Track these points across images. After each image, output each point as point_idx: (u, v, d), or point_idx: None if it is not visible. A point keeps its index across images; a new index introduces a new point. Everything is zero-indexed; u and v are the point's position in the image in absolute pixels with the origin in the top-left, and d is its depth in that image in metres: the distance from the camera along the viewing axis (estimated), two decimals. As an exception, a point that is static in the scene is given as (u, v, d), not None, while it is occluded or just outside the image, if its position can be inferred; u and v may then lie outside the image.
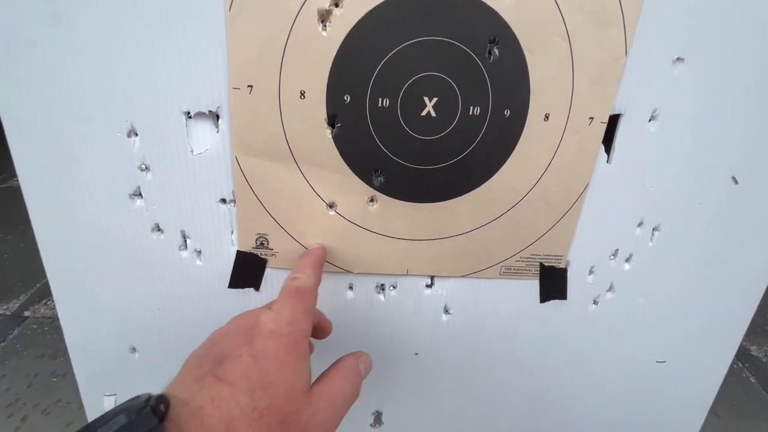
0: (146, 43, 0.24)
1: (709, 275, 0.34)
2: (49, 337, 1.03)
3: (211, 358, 0.20)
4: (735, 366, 1.11)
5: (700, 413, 0.40)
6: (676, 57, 0.26)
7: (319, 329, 0.28)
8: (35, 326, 1.07)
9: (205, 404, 0.18)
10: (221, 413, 0.18)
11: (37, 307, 1.13)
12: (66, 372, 0.91)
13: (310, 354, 0.26)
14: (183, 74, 0.25)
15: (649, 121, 0.28)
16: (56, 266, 0.29)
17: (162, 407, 0.17)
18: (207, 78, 0.25)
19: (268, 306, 0.23)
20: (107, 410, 0.17)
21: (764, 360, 1.14)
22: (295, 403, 0.20)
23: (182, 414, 0.18)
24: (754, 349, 1.18)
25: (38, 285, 1.18)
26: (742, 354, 1.15)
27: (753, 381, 1.08)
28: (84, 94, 0.25)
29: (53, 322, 1.07)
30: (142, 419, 0.16)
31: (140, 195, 0.27)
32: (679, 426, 0.41)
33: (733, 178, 0.30)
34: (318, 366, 0.23)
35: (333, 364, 0.24)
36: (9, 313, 1.11)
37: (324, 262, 0.28)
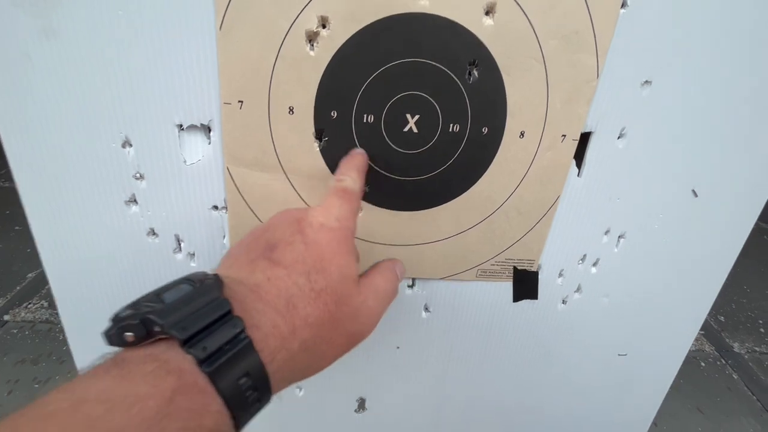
0: (139, 58, 0.25)
1: (668, 278, 0.36)
2: (30, 342, 0.98)
3: (262, 245, 0.21)
4: (718, 363, 1.14)
5: (657, 398, 0.44)
6: (644, 80, 0.28)
7: None
8: (15, 331, 1.02)
9: (261, 282, 0.19)
10: (279, 290, 0.19)
11: (17, 311, 1.07)
12: (48, 377, 0.87)
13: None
14: (175, 88, 0.26)
15: (618, 138, 0.30)
16: (57, 269, 0.30)
17: (219, 282, 0.18)
18: (199, 93, 0.26)
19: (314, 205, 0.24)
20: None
21: (746, 357, 1.18)
22: (348, 288, 0.21)
23: (239, 290, 0.18)
24: (736, 346, 1.21)
25: (18, 288, 1.12)
26: (725, 351, 1.18)
27: (735, 377, 1.11)
28: (78, 106, 0.25)
29: (34, 326, 1.03)
30: (205, 288, 0.17)
31: (135, 201, 0.29)
32: (638, 410, 0.44)
33: (693, 191, 0.32)
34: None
35: (372, 267, 0.25)
36: (-12, 318, 1.05)
37: (366, 168, 0.27)
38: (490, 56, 0.26)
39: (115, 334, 0.16)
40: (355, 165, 0.26)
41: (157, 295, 0.17)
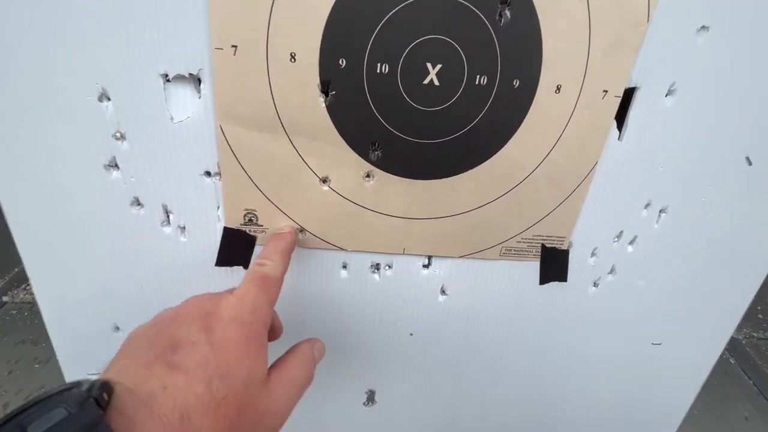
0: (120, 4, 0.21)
1: (711, 259, 0.33)
2: (29, 323, 1.00)
3: (164, 343, 0.19)
4: None
5: (690, 394, 0.40)
6: (701, 25, 0.24)
7: (271, 330, 0.25)
8: (14, 312, 1.03)
9: (155, 392, 0.17)
10: (174, 402, 0.17)
11: (16, 292, 1.09)
12: (49, 358, 0.88)
13: (277, 339, 0.25)
14: (159, 32, 0.22)
15: (666, 95, 0.26)
16: (29, 244, 0.27)
17: (105, 396, 0.16)
18: (186, 37, 0.22)
19: (230, 291, 0.22)
20: (38, 396, 0.15)
21: (744, 342, 1.17)
22: (253, 392, 0.19)
23: (129, 403, 0.16)
24: (734, 332, 1.21)
25: (16, 269, 1.13)
26: None
27: (732, 362, 1.11)
28: (45, 52, 0.22)
29: (33, 307, 1.04)
30: (84, 412, 0.15)
31: (116, 166, 0.25)
32: (669, 405, 0.41)
33: (747, 158, 0.29)
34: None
35: (288, 351, 0.23)
36: (-14, 299, 1.07)
37: (294, 248, 0.27)
38: (526, -8, 0.22)
39: None
40: (280, 248, 0.25)
41: (20, 426, 0.14)
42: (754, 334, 1.19)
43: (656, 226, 0.31)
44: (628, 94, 0.26)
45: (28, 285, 1.08)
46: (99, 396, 0.15)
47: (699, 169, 0.29)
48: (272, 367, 0.22)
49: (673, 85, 0.26)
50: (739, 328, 1.20)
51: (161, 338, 0.19)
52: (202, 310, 0.20)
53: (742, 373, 1.08)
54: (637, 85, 0.26)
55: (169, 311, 0.21)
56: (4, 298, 1.07)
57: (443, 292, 0.32)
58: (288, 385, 0.21)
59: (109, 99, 0.23)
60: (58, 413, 0.14)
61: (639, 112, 0.27)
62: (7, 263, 1.14)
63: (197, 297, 0.22)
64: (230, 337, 0.19)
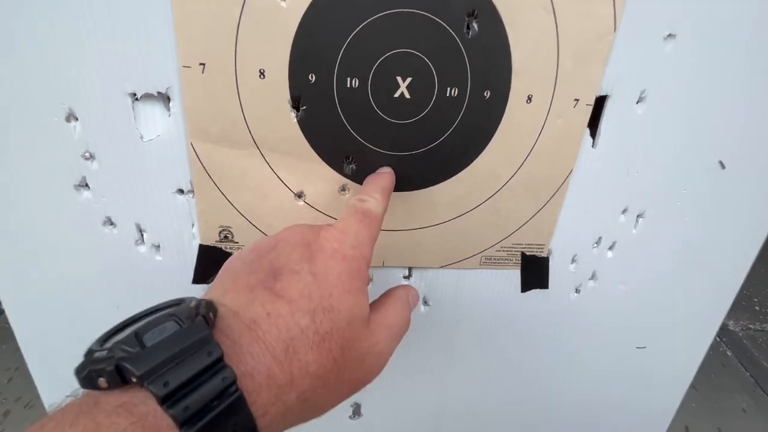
0: (81, 15, 0.21)
1: (691, 262, 0.33)
2: None
3: (265, 269, 0.18)
4: (713, 340, 1.16)
5: (677, 395, 0.40)
6: (668, 33, 0.25)
7: None
8: None
9: (259, 318, 0.16)
10: (279, 331, 0.16)
11: None
12: None
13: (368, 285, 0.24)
14: (125, 50, 0.22)
15: (637, 102, 0.26)
16: (1, 269, 0.27)
17: (211, 315, 0.15)
18: (153, 55, 0.22)
19: (329, 224, 0.21)
20: (147, 309, 0.15)
21: (741, 334, 1.18)
22: (356, 331, 0.18)
23: (234, 326, 0.16)
24: (731, 324, 1.21)
25: None
26: (719, 328, 1.19)
27: (729, 354, 1.12)
28: (12, 74, 0.22)
29: None
30: (195, 328, 0.14)
31: (86, 186, 0.25)
32: (657, 408, 0.41)
33: (720, 162, 0.29)
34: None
35: (384, 295, 0.22)
36: (-17, 308, 1.06)
37: (392, 190, 0.25)
38: (492, 5, 0.22)
39: (86, 377, 0.14)
40: (380, 185, 0.23)
41: (136, 335, 0.14)
42: (751, 326, 1.20)
43: (634, 231, 0.31)
44: (600, 102, 0.26)
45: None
46: (206, 315, 0.15)
47: (674, 173, 0.29)
48: (370, 311, 0.20)
49: (643, 92, 0.26)
50: (737, 320, 1.20)
51: (262, 264, 0.18)
52: (303, 239, 0.19)
53: (739, 365, 1.08)
54: (608, 94, 0.26)
55: (268, 238, 0.20)
56: (3, 306, 1.07)
57: (425, 302, 0.32)
58: (389, 328, 0.20)
59: (76, 119, 0.23)
60: (171, 326, 0.14)
61: (611, 120, 0.27)
62: None
63: (297, 225, 0.20)
64: (332, 270, 0.18)
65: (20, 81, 0.22)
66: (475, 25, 0.23)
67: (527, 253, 0.30)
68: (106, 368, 0.14)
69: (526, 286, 0.32)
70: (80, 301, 0.28)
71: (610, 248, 0.32)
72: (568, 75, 0.25)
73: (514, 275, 0.31)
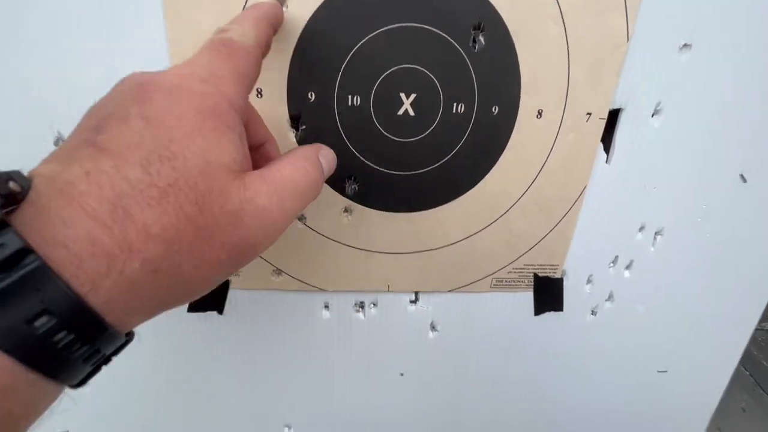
0: (74, 39, 0.20)
1: (713, 280, 0.31)
2: None
3: (89, 124, 0.15)
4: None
5: (702, 422, 0.38)
6: (683, 43, 0.23)
7: (252, 130, 0.19)
8: None
9: (76, 179, 0.13)
10: (101, 190, 0.13)
11: None
12: None
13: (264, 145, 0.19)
14: (116, 70, 0.21)
15: (652, 116, 0.25)
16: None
17: (13, 186, 0.12)
18: (145, 75, 0.21)
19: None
20: None
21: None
22: (219, 182, 0.15)
23: (44, 193, 0.13)
24: None
25: None
26: None
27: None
28: (4, 102, 0.21)
29: None
30: None
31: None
32: (679, 433, 0.39)
33: (742, 176, 0.28)
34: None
35: (283, 154, 0.18)
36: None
37: (278, 21, 0.19)
38: (499, 18, 0.21)
39: None
40: (253, 15, 0.18)
41: None
42: None
43: (652, 249, 0.29)
44: (614, 116, 0.25)
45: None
46: (3, 185, 0.12)
47: (693, 188, 0.28)
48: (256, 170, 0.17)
49: (659, 104, 0.25)
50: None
51: (89, 119, 0.15)
52: (137, 81, 0.15)
53: (739, 364, 1.06)
54: (622, 107, 0.25)
55: (107, 93, 0.16)
56: None
57: (433, 328, 0.30)
58: (277, 183, 0.16)
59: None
60: None
61: (626, 134, 0.25)
62: None
63: (134, 73, 0.16)
64: (173, 110, 0.15)
65: (10, 107, 0.21)
66: (482, 39, 0.22)
67: (540, 275, 0.29)
68: None
69: (539, 309, 0.30)
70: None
71: (627, 267, 0.30)
72: (580, 88, 0.24)
73: (527, 298, 0.30)
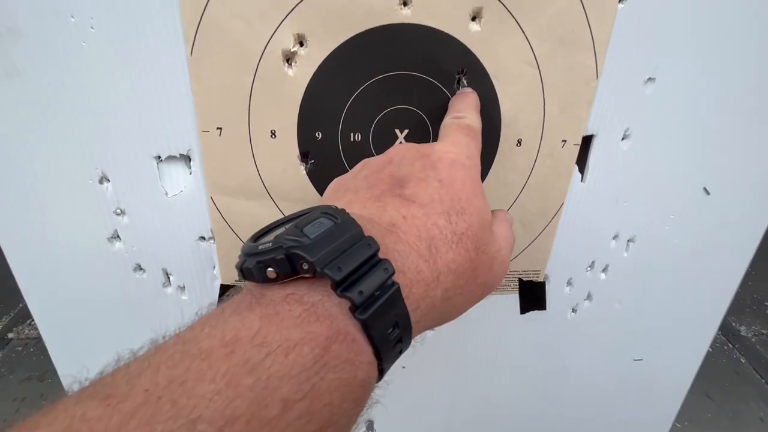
0: (108, 92, 0.23)
1: (682, 280, 0.35)
2: (35, 359, 0.98)
3: (387, 180, 0.18)
4: (725, 347, 1.11)
5: (676, 400, 0.42)
6: (648, 77, 0.26)
7: None
8: (20, 348, 1.01)
9: (396, 221, 0.16)
10: (418, 231, 0.16)
11: (21, 327, 1.07)
12: (55, 394, 0.86)
13: None
14: (150, 119, 0.24)
15: (622, 140, 0.28)
16: (43, 312, 0.29)
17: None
18: (175, 122, 0.25)
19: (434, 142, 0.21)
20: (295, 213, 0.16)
21: (753, 340, 1.14)
22: (486, 234, 0.19)
23: (373, 229, 0.16)
24: (743, 330, 1.16)
25: (21, 305, 1.10)
26: (731, 335, 1.14)
27: (743, 362, 1.07)
28: (48, 146, 0.24)
29: (39, 342, 1.01)
30: (346, 225, 0.15)
31: (119, 237, 0.28)
32: (658, 413, 0.43)
33: (705, 189, 0.31)
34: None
35: (492, 215, 0.22)
36: (-8, 336, 1.03)
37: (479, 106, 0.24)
38: (479, 64, 0.24)
39: (255, 268, 0.14)
40: (472, 103, 0.23)
41: (296, 227, 0.15)
42: (764, 331, 1.15)
43: (626, 254, 0.33)
44: (587, 141, 0.28)
45: (33, 320, 1.08)
46: (348, 215, 0.15)
47: (660, 201, 0.31)
48: None
49: (627, 130, 0.28)
50: (748, 325, 1.16)
51: (381, 177, 0.19)
52: (419, 152, 0.20)
53: (754, 371, 1.03)
54: (594, 133, 0.28)
55: (378, 156, 0.21)
56: (10, 335, 1.05)
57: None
58: (506, 239, 0.21)
59: (108, 180, 0.26)
60: (327, 221, 0.15)
61: (598, 156, 0.29)
62: (11, 300, 1.11)
63: (404, 144, 0.21)
64: (457, 177, 0.18)
65: (59, 150, 0.24)
66: (465, 81, 0.25)
67: (524, 279, 0.32)
68: (275, 257, 0.14)
69: (525, 309, 0.34)
70: (115, 339, 0.31)
71: (603, 271, 0.33)
72: (555, 119, 0.27)
73: (514, 299, 0.33)
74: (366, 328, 0.14)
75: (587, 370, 0.38)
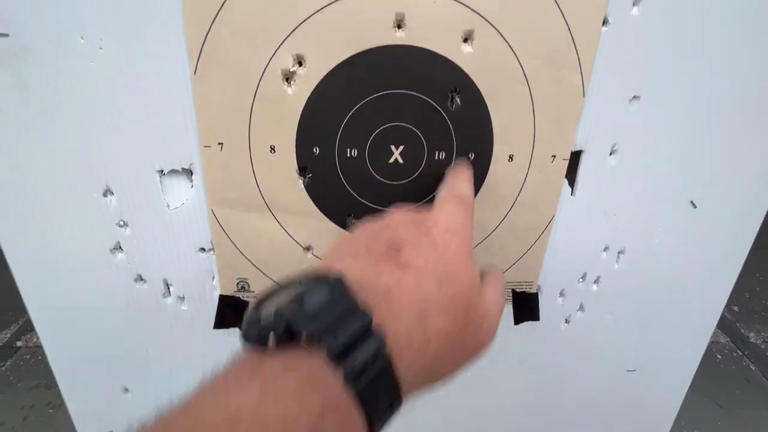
0: (114, 108, 0.24)
1: (672, 291, 0.35)
2: (43, 367, 0.98)
3: (383, 245, 0.19)
4: (735, 354, 1.10)
5: (671, 410, 0.42)
6: (633, 95, 0.27)
7: None
8: (28, 356, 1.03)
9: (391, 288, 0.17)
10: (410, 298, 0.17)
11: (29, 336, 1.08)
12: (62, 402, 0.86)
13: None
14: (153, 134, 0.25)
15: (610, 155, 0.29)
16: (46, 321, 0.30)
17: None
18: (178, 137, 0.25)
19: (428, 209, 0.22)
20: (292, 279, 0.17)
21: (763, 347, 1.12)
22: (475, 297, 0.20)
23: (371, 296, 0.16)
24: (752, 336, 1.15)
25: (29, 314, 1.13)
26: (741, 342, 1.13)
27: (753, 369, 1.05)
28: (54, 158, 0.25)
29: None
30: (340, 293, 0.16)
31: (121, 249, 0.28)
32: (652, 423, 0.43)
33: (692, 202, 0.32)
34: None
35: (482, 273, 0.23)
36: (0, 344, 1.05)
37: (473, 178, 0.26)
38: (472, 83, 0.25)
39: (258, 336, 0.15)
40: (466, 176, 0.25)
41: (296, 299, 0.16)
42: None
43: (617, 266, 0.34)
44: (576, 156, 0.29)
45: (40, 329, 1.09)
46: (343, 283, 0.16)
47: (649, 214, 0.32)
48: None
49: (614, 146, 0.29)
50: (757, 331, 1.14)
51: (378, 242, 0.20)
52: (415, 218, 0.21)
53: (764, 379, 1.02)
54: (583, 148, 0.29)
55: (376, 221, 0.21)
56: (18, 343, 1.06)
57: (426, 337, 0.35)
58: (495, 302, 0.22)
59: (112, 193, 0.27)
60: (322, 291, 0.15)
61: (587, 171, 0.29)
62: (19, 308, 1.12)
63: (400, 209, 0.22)
64: (450, 243, 0.20)
65: (65, 163, 0.25)
66: (458, 99, 0.26)
67: (517, 290, 0.33)
68: (277, 329, 0.15)
69: (518, 319, 0.34)
70: (115, 349, 0.32)
71: (595, 282, 0.34)
72: (545, 135, 0.28)
73: (507, 310, 0.34)
74: (359, 396, 0.15)
75: (581, 381, 0.39)
